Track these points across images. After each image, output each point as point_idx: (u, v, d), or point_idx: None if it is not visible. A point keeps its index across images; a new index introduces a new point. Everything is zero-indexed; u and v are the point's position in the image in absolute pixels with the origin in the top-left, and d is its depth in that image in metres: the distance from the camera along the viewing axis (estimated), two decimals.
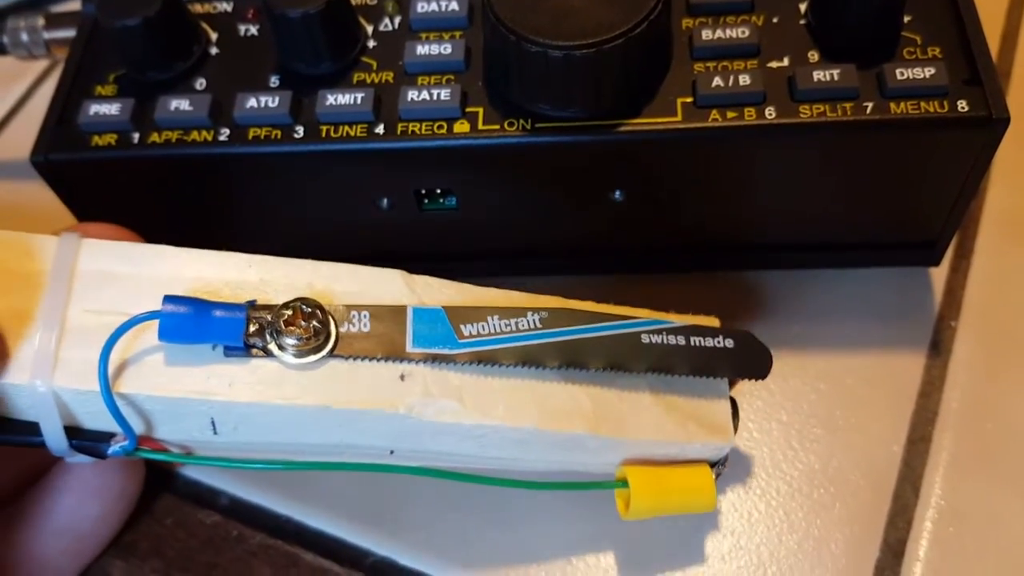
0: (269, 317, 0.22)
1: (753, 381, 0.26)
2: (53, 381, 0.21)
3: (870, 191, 0.27)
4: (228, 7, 0.29)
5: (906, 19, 0.26)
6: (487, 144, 0.26)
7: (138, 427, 0.22)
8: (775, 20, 0.27)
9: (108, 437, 0.23)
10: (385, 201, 0.28)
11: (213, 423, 0.22)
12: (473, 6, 0.28)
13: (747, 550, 0.27)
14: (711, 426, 0.25)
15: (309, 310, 0.22)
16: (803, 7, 0.27)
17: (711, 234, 0.30)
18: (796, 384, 0.30)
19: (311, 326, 0.22)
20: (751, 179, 0.27)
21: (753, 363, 0.25)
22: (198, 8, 0.29)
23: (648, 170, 0.27)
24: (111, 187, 0.28)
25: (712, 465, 0.26)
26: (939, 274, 0.31)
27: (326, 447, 0.23)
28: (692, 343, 0.24)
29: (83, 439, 0.22)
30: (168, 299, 0.21)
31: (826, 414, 0.29)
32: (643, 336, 0.24)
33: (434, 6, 0.28)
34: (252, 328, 0.22)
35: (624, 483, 0.25)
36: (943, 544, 0.27)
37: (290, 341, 0.22)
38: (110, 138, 0.27)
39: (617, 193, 0.27)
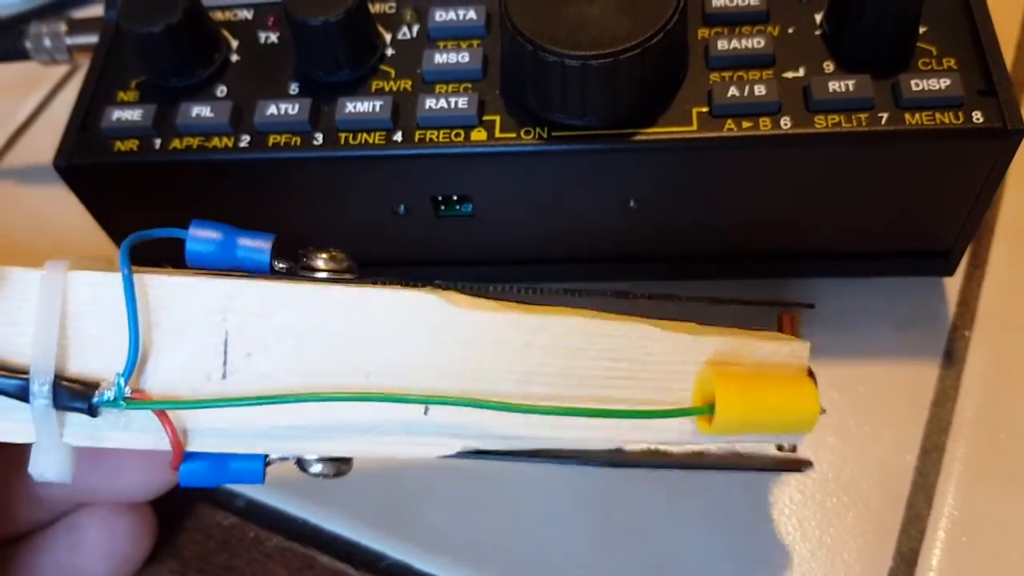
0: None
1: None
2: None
3: (884, 201, 0.27)
4: (248, 15, 0.30)
5: (922, 30, 0.26)
6: (504, 152, 0.26)
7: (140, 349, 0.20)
8: (791, 30, 0.27)
9: (94, 387, 0.20)
10: (402, 207, 0.28)
11: (225, 346, 0.20)
12: (491, 15, 0.28)
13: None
14: (783, 339, 0.22)
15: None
16: (818, 17, 0.27)
17: (725, 244, 0.30)
18: None
19: (344, 261, 0.21)
20: (766, 189, 0.27)
21: None
22: (219, 16, 0.30)
23: (663, 179, 0.27)
24: (132, 192, 0.29)
25: None
26: (953, 284, 0.31)
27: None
28: None
29: (70, 382, 0.20)
30: (196, 223, 0.21)
31: (839, 422, 0.29)
32: None
33: (452, 15, 0.28)
34: (278, 264, 0.21)
35: (708, 409, 0.21)
36: (956, 554, 0.27)
37: (321, 262, 0.21)
38: (132, 143, 0.28)
39: (632, 202, 0.28)
